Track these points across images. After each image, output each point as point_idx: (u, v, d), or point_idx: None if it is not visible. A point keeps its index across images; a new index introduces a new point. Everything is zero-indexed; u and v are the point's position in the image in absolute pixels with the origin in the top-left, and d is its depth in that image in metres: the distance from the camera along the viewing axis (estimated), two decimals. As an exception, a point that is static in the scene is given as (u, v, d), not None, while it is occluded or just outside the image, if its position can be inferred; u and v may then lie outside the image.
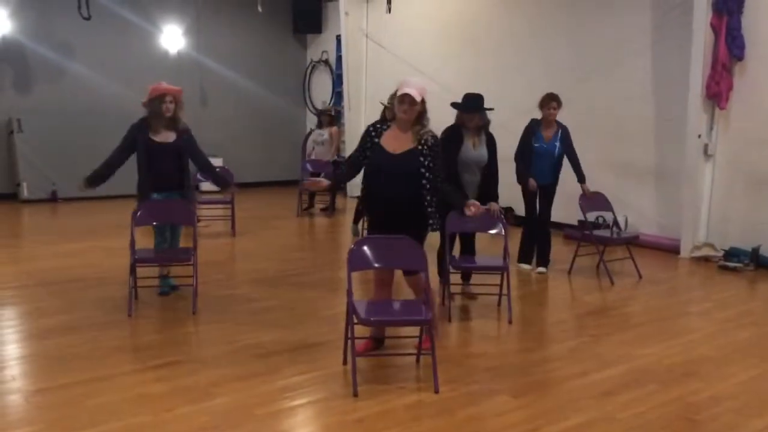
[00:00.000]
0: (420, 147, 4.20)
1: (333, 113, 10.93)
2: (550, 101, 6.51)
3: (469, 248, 5.94)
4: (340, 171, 4.43)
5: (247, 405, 3.64)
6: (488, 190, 5.70)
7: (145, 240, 5.90)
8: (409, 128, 4.24)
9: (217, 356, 4.34)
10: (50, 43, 10.91)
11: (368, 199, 4.45)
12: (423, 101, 4.22)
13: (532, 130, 6.63)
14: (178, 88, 5.65)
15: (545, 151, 6.58)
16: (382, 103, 7.32)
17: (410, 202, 4.22)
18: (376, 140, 4.26)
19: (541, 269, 6.83)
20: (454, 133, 5.66)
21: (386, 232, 4.17)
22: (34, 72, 10.92)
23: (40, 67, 10.92)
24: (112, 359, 4.25)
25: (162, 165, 5.49)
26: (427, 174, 4.21)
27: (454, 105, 5.76)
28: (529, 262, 6.93)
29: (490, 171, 5.72)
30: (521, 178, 6.66)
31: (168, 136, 5.55)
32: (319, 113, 10.88)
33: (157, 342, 4.68)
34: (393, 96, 4.31)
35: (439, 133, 4.72)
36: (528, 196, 6.72)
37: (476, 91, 5.75)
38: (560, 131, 6.63)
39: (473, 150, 5.65)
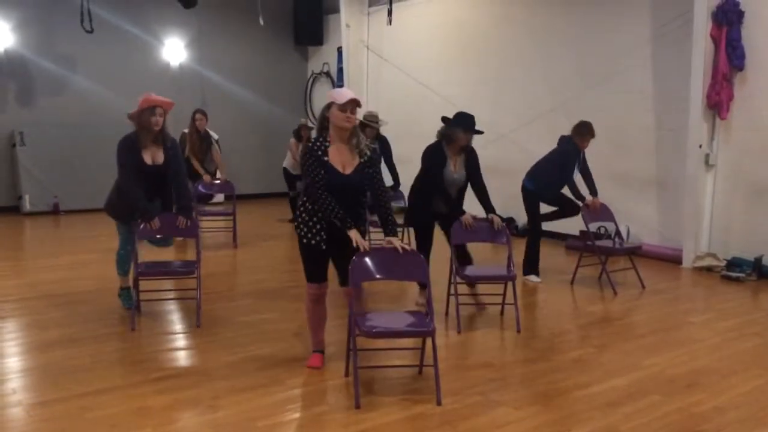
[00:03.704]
0: (363, 161, 4.17)
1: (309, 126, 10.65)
2: (587, 134, 6.66)
3: (463, 257, 5.85)
4: (331, 207, 4.09)
5: (249, 417, 3.62)
6: (483, 204, 5.64)
7: (149, 253, 5.92)
8: (347, 140, 4.15)
9: (219, 368, 4.33)
10: (53, 57, 10.98)
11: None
12: None
13: (575, 151, 6.71)
14: (170, 100, 5.31)
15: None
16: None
17: (359, 216, 4.25)
18: (325, 158, 4.13)
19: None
20: (438, 153, 5.61)
21: (339, 243, 4.13)
22: (37, 85, 10.98)
23: (43, 80, 10.98)
24: (114, 372, 4.25)
25: (150, 184, 5.27)
26: (375, 186, 4.21)
27: (453, 122, 5.61)
28: (537, 274, 6.87)
29: (477, 186, 5.66)
30: (569, 193, 6.72)
31: (157, 155, 5.25)
32: (299, 129, 10.19)
33: (158, 354, 4.67)
34: (327, 108, 4.13)
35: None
36: (538, 206, 6.78)
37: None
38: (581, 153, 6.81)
39: (453, 173, 5.62)
